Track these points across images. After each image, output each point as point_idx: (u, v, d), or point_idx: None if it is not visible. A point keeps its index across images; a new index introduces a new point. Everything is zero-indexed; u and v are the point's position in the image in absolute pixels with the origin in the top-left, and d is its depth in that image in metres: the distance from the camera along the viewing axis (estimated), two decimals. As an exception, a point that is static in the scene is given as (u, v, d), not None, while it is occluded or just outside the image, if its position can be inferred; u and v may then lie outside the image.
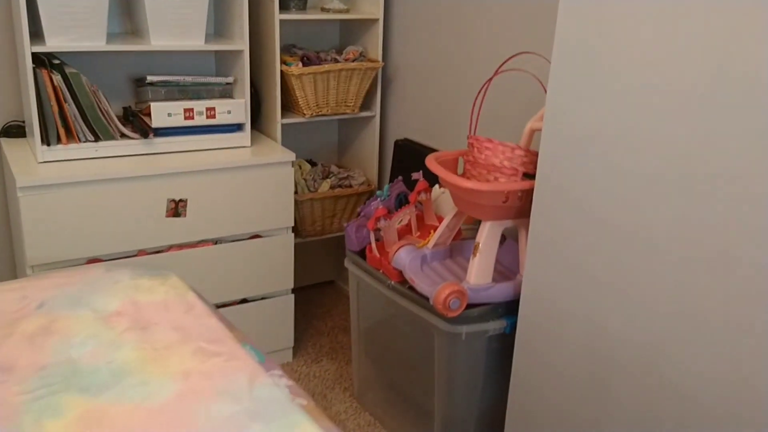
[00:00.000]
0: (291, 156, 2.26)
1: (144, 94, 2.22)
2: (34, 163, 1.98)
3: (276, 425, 0.93)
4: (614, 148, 1.34)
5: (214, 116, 2.22)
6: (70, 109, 1.98)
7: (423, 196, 2.04)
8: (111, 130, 2.07)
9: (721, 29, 1.13)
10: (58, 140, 2.00)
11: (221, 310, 2.26)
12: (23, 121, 2.22)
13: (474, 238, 1.76)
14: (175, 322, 1.16)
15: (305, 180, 2.60)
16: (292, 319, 2.42)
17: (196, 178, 2.10)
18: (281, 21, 2.31)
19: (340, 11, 2.48)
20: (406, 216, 2.07)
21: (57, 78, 1.94)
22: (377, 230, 1.97)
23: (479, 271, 1.73)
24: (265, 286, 2.34)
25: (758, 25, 1.08)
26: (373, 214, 1.96)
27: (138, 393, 0.97)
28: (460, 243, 1.99)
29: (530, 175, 1.66)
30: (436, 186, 2.15)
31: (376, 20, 2.49)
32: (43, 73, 1.92)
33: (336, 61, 2.47)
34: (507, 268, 1.93)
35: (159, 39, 2.10)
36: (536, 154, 1.57)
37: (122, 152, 2.10)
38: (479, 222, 1.76)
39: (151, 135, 2.12)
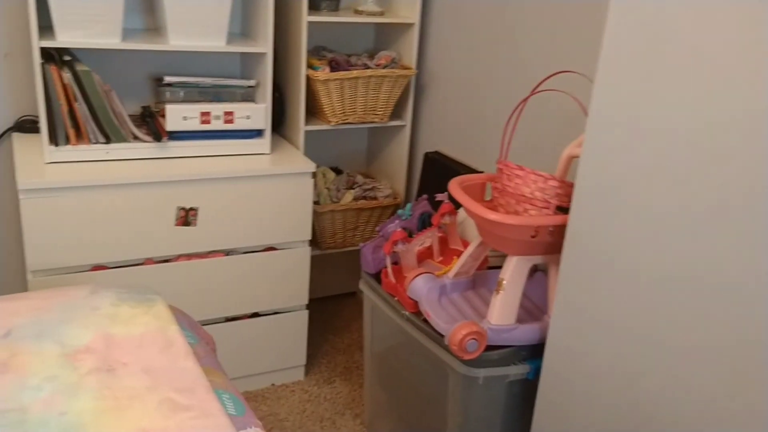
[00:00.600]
0: (311, 166, 2.13)
1: (163, 94, 2.12)
2: (41, 163, 1.90)
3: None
4: (658, 186, 1.17)
5: (232, 121, 2.10)
6: (81, 108, 1.89)
7: (447, 219, 1.89)
8: (123, 132, 1.97)
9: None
10: (67, 140, 1.91)
11: (231, 323, 2.16)
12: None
13: (502, 266, 1.60)
14: (147, 363, 1.04)
15: (328, 189, 2.47)
16: (305, 336, 2.30)
17: (208, 185, 1.99)
18: (310, 23, 2.17)
19: (373, 14, 2.33)
20: (428, 239, 1.92)
21: (67, 75, 1.84)
22: (394, 253, 1.83)
23: (502, 311, 1.56)
24: (279, 300, 2.22)
25: None
26: (391, 236, 1.81)
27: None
28: (485, 273, 1.83)
29: (564, 209, 1.50)
30: (462, 208, 1.99)
31: (411, 25, 2.34)
32: (53, 70, 1.83)
33: (366, 66, 2.33)
34: (536, 305, 1.76)
35: (178, 39, 1.99)
36: (572, 186, 1.40)
37: (134, 155, 2.00)
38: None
39: (164, 138, 2.02)
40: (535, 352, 1.60)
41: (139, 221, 1.92)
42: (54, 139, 1.90)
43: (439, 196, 1.90)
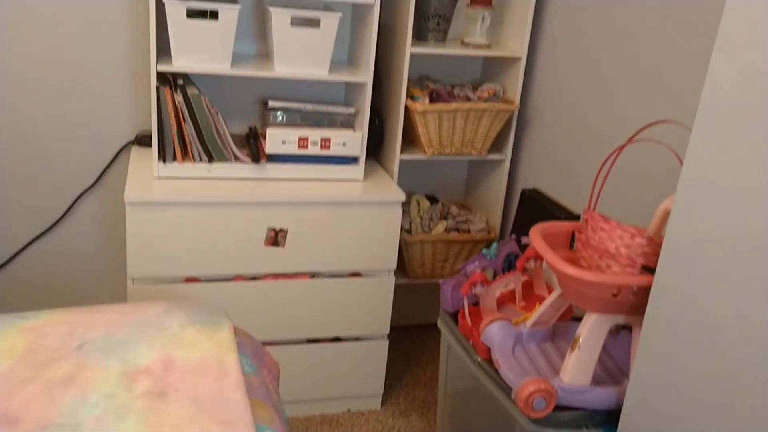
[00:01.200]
0: (401, 196, 2.13)
1: (268, 117, 2.21)
2: (150, 177, 2.03)
3: None
4: (755, 250, 1.05)
5: (328, 147, 2.15)
6: (188, 129, 2.01)
7: (532, 264, 1.82)
8: (225, 152, 2.07)
9: None
10: (174, 158, 2.03)
11: (312, 345, 2.20)
12: (156, 132, 2.31)
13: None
14: (197, 391, 1.08)
15: (421, 218, 2.45)
16: (384, 365, 2.29)
17: (299, 209, 2.04)
18: (414, 54, 2.18)
19: (479, 47, 2.30)
20: (511, 282, 1.86)
21: (179, 98, 1.97)
22: (473, 295, 1.78)
23: (576, 370, 1.48)
24: (360, 327, 2.23)
25: None
26: (470, 277, 1.77)
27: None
28: (567, 325, 1.74)
29: (651, 269, 1.39)
30: (552, 253, 1.90)
31: (518, 59, 2.28)
32: (166, 93, 1.96)
33: (468, 98, 2.30)
34: (619, 366, 1.64)
35: (283, 66, 2.06)
36: (661, 245, 1.30)
37: (234, 174, 2.10)
38: (584, 311, 1.51)
39: (263, 160, 2.10)
40: (612, 417, 1.50)
41: (231, 238, 2.01)
42: (163, 156, 2.02)
43: (525, 239, 1.83)
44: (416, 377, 2.53)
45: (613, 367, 1.63)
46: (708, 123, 1.15)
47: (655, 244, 1.40)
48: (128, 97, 2.28)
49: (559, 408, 1.48)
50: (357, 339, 2.25)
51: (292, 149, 2.12)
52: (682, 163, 1.20)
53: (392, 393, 2.42)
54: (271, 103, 2.16)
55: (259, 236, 2.03)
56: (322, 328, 2.19)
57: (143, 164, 2.12)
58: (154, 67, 1.92)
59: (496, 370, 1.61)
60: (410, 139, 2.36)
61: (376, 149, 2.42)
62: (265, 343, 2.11)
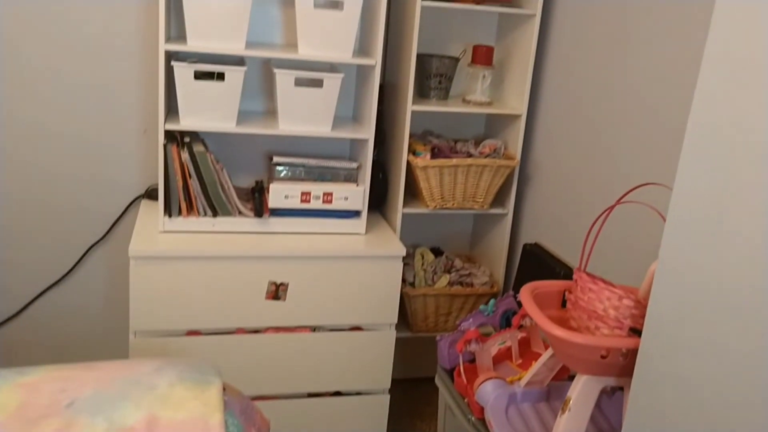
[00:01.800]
0: (402, 251, 2.15)
1: (273, 171, 2.27)
2: (156, 231, 2.08)
3: None
4: (737, 316, 1.05)
5: (330, 201, 2.19)
6: (194, 184, 2.07)
7: (528, 321, 1.82)
8: (229, 207, 2.12)
9: None
10: (180, 212, 2.09)
11: (313, 399, 2.20)
12: (165, 186, 2.38)
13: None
14: (179, 452, 1.10)
15: (425, 271, 2.47)
16: (385, 420, 2.28)
17: (301, 263, 2.07)
18: (416, 111, 2.24)
19: (481, 104, 2.35)
20: (508, 339, 1.86)
21: (185, 155, 2.03)
22: (468, 352, 1.78)
23: (566, 432, 1.47)
24: (361, 381, 2.23)
25: None
26: (465, 334, 1.77)
27: None
28: (562, 385, 1.73)
29: (639, 331, 1.39)
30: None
31: (518, 116, 2.33)
32: (173, 150, 2.02)
33: (469, 154, 2.34)
34: (612, 427, 1.63)
35: (287, 124, 2.13)
36: (648, 308, 1.30)
37: (237, 228, 2.14)
38: (575, 372, 1.50)
39: (266, 215, 2.15)
40: (605, 481, 1.48)
41: (233, 292, 2.04)
42: (168, 211, 2.08)
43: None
44: (420, 432, 2.51)
45: (607, 428, 1.62)
46: (687, 184, 1.16)
47: (642, 306, 1.40)
48: (140, 152, 2.35)
49: (550, 471, 1.47)
50: (358, 393, 2.25)
51: (295, 203, 2.17)
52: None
53: (394, 448, 2.40)
54: (276, 159, 2.22)
55: (260, 290, 2.07)
56: (322, 382, 2.20)
57: (151, 218, 2.18)
58: (162, 126, 2.00)
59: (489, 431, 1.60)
60: (413, 193, 2.39)
61: (379, 202, 2.46)
62: (265, 397, 2.12)
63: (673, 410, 1.19)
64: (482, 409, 1.65)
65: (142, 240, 2.02)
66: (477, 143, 2.44)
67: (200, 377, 1.36)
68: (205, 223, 2.11)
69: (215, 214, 2.12)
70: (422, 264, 2.50)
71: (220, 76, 2.02)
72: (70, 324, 2.46)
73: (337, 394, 2.24)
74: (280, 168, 2.21)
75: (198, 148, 2.06)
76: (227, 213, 2.13)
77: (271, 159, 2.28)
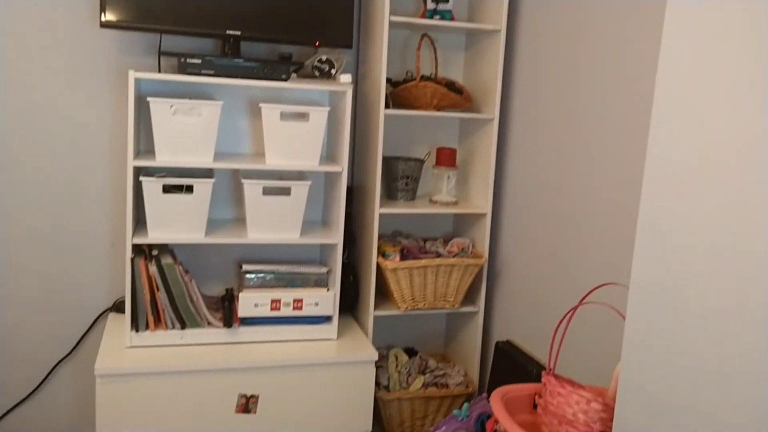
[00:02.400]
0: (374, 355, 2.14)
1: (242, 279, 2.27)
2: (123, 347, 2.05)
3: None
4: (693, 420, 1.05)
5: (301, 308, 2.19)
6: (162, 297, 2.06)
7: (501, 426, 1.79)
8: (198, 318, 2.11)
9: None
10: (147, 326, 2.07)
11: None
12: (134, 298, 2.36)
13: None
14: None
15: (399, 373, 2.44)
16: None
17: (272, 373, 2.05)
18: (384, 213, 2.28)
19: (447, 204, 2.41)
20: (483, 444, 1.82)
21: (153, 269, 2.03)
22: (444, 461, 1.74)
23: None
24: (337, 493, 2.15)
25: None
26: (439, 443, 1.74)
27: None
28: (540, 491, 1.68)
29: (610, 436, 1.38)
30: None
31: (483, 215, 2.38)
32: (141, 264, 2.03)
33: (438, 254, 2.37)
34: None
35: (256, 232, 2.15)
36: (616, 412, 1.30)
37: (207, 340, 2.12)
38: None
39: (236, 324, 2.13)
40: None
41: (202, 406, 1.99)
42: (136, 325, 2.06)
43: (493, 401, 1.82)
44: None
45: None
46: (642, 284, 1.19)
47: (611, 409, 1.39)
48: (108, 265, 2.35)
49: None
50: (334, 507, 2.16)
51: (265, 311, 2.16)
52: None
53: None
54: (245, 267, 2.23)
55: (230, 403, 2.02)
56: (297, 497, 2.12)
57: (118, 333, 2.15)
58: (130, 241, 2.01)
59: None
60: (385, 294, 2.40)
61: (351, 305, 2.46)
62: None
63: None
64: None
65: (108, 357, 1.98)
66: (445, 242, 2.48)
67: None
68: (173, 336, 2.09)
69: (183, 326, 2.10)
70: (396, 366, 2.47)
71: (189, 189, 2.06)
72: (33, 446, 2.37)
73: None
74: (249, 276, 2.22)
75: (166, 260, 2.07)
76: (196, 325, 2.11)
77: (241, 266, 2.29)
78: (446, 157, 2.44)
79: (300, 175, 2.26)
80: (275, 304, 2.17)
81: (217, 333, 2.13)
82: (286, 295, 2.18)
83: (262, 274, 2.23)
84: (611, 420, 1.39)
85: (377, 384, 2.32)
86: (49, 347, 2.34)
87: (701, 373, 1.06)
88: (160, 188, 2.03)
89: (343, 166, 2.18)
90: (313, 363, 2.08)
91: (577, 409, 1.42)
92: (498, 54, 2.28)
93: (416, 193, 2.49)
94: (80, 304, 2.34)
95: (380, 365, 2.40)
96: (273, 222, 2.16)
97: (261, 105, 2.11)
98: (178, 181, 2.05)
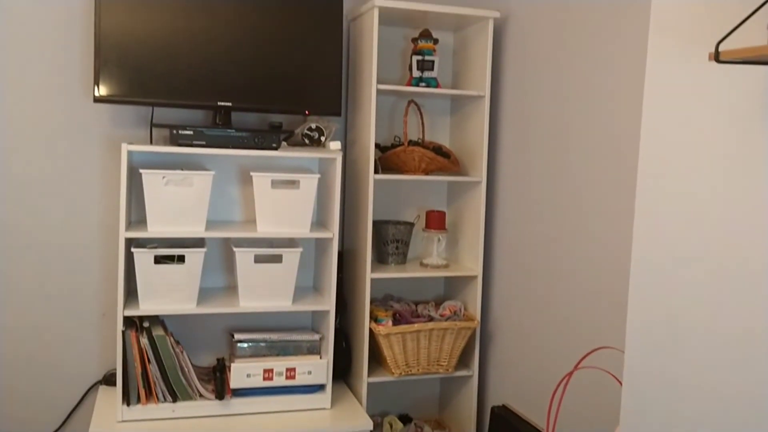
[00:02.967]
0: (369, 425, 2.11)
1: (234, 348, 2.25)
2: (114, 422, 2.01)
3: None
4: None
5: (294, 377, 2.16)
6: (153, 370, 2.03)
7: (502, 496, 1.76)
8: (190, 391, 2.08)
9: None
10: (138, 399, 2.03)
11: None
12: (124, 370, 2.32)
13: None
14: None
15: (395, 441, 2.40)
16: None
17: (265, 445, 2.01)
18: (375, 278, 2.29)
19: (437, 267, 2.42)
20: None
21: (144, 341, 2.02)
22: None
23: None
24: None
25: None
26: None
27: None
28: None
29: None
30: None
31: (474, 277, 2.39)
32: (132, 336, 2.01)
33: (431, 317, 2.37)
34: None
35: (248, 301, 2.15)
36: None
37: (198, 413, 2.08)
38: None
39: (228, 396, 2.10)
40: None
41: (194, 483, 1.94)
42: (127, 399, 2.02)
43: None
44: None
45: None
46: (637, 348, 1.20)
47: (612, 479, 1.38)
48: (98, 337, 2.32)
49: None
50: None
51: (258, 382, 2.14)
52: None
53: None
54: (237, 336, 2.21)
55: (222, 478, 1.97)
56: None
57: (108, 406, 2.11)
58: (121, 313, 1.99)
59: None
60: (378, 360, 2.38)
61: (344, 372, 2.43)
62: None
63: None
64: None
65: (98, 433, 1.94)
66: (437, 305, 2.48)
67: None
68: (165, 409, 2.05)
69: (175, 399, 2.06)
70: (391, 433, 2.43)
71: (181, 259, 2.06)
72: None
73: None
74: (241, 344, 2.20)
75: (157, 331, 2.05)
76: (188, 397, 2.08)
77: (233, 335, 2.28)
78: (435, 220, 2.46)
79: (291, 242, 2.27)
80: (268, 373, 2.14)
81: (209, 405, 2.09)
82: (279, 364, 2.16)
83: (254, 343, 2.21)
84: (613, 490, 1.37)
85: (372, 453, 2.28)
86: (39, 421, 2.28)
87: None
88: (152, 259, 2.03)
89: (334, 232, 2.20)
90: (307, 434, 2.05)
91: (578, 480, 1.40)
92: (483, 118, 2.34)
93: (407, 256, 2.51)
94: (70, 376, 2.30)
95: (375, 433, 2.36)
96: (265, 290, 2.16)
97: (252, 173, 2.13)
98: (170, 252, 2.05)
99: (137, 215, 2.24)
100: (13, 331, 2.25)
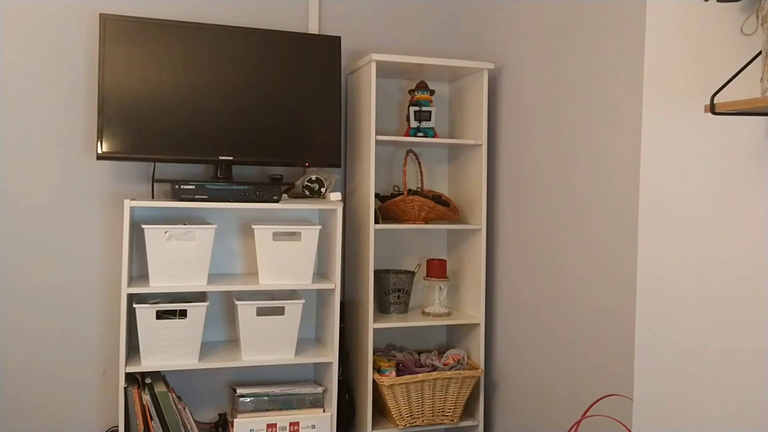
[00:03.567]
0: (375, 479, 2.07)
1: (237, 403, 2.22)
2: (114, 482, 1.97)
3: None
4: None
5: (297, 431, 2.13)
6: (155, 427, 2.00)
7: None
8: (192, 447, 2.04)
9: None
10: (140, 459, 2.00)
11: None
12: (124, 427, 2.29)
13: None
14: None
15: (401, 495, 2.35)
16: None
17: (269, 503, 1.96)
18: (378, 328, 2.28)
19: (439, 315, 2.42)
20: None
21: (146, 397, 1.99)
22: None
23: None
24: None
25: None
26: None
27: None
28: None
29: None
30: None
31: (477, 325, 2.39)
32: (134, 393, 1.99)
33: (434, 368, 2.35)
34: None
35: (250, 354, 2.13)
36: None
37: (201, 470, 2.04)
38: None
39: (231, 452, 2.07)
40: None
41: None
42: (128, 458, 1.99)
43: None
44: None
45: None
46: (645, 395, 1.19)
47: None
48: (99, 393, 2.29)
49: None
50: None
51: (261, 437, 2.10)
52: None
53: None
54: (239, 390, 2.19)
55: None
56: None
57: (108, 466, 2.07)
58: (123, 369, 1.98)
59: None
60: (381, 411, 2.35)
61: (348, 425, 2.40)
62: None
63: None
64: None
65: (98, 494, 1.90)
66: (440, 353, 2.46)
67: None
68: (167, 467, 2.02)
69: (177, 456, 2.03)
70: (397, 486, 2.38)
71: (183, 314, 2.06)
72: None
73: None
74: (244, 399, 2.17)
75: (159, 387, 2.03)
76: (190, 454, 2.04)
77: (235, 390, 2.25)
78: (437, 269, 2.47)
79: (292, 294, 2.27)
80: (271, 428, 2.12)
81: (211, 463, 2.06)
82: (282, 419, 2.13)
83: (256, 397, 2.18)
84: None
85: (378, 508, 2.23)
86: (34, 485, 2.23)
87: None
88: (154, 314, 2.02)
89: (336, 283, 2.20)
90: (312, 490, 2.01)
91: None
92: (481, 166, 2.37)
93: (409, 305, 2.50)
94: (68, 436, 2.27)
95: (380, 487, 2.31)
96: (267, 342, 2.14)
97: (253, 226, 2.15)
98: (172, 307, 2.05)
99: (139, 270, 2.24)
100: (12, 388, 2.22)
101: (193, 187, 2.07)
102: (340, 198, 2.24)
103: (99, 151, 2.05)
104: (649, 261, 1.23)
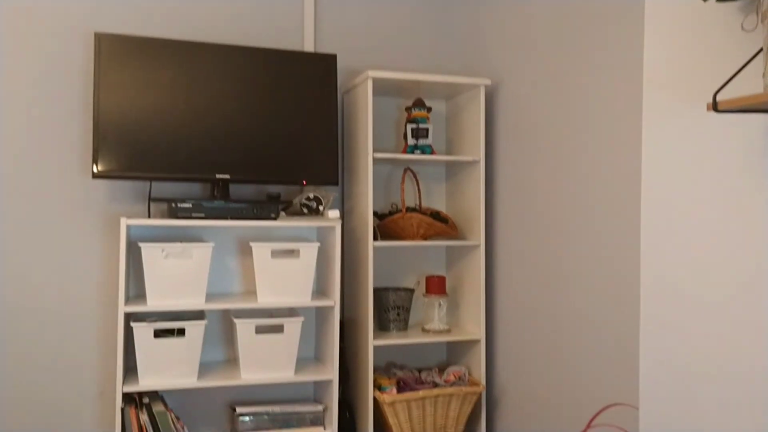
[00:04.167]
0: (377, 499, 2.04)
1: (236, 423, 2.19)
2: (111, 505, 1.94)
3: None
4: None
5: (298, 451, 2.10)
6: (153, 448, 1.97)
7: None
8: (191, 468, 2.01)
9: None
10: (137, 481, 1.96)
11: None
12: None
13: None
14: None
15: None
16: None
17: None
18: (378, 346, 2.26)
19: (439, 332, 2.40)
20: None
21: (144, 417, 1.97)
22: None
23: None
24: None
25: None
26: None
27: None
28: None
29: None
30: None
31: (477, 341, 2.37)
32: (131, 413, 1.96)
33: (435, 384, 2.33)
34: None
35: (249, 373, 2.11)
36: None
37: (200, 492, 2.01)
38: None
39: (230, 473, 2.03)
40: None
41: None
42: (125, 480, 1.95)
43: None
44: None
45: None
46: (652, 404, 1.18)
47: None
48: (96, 415, 2.26)
49: None
50: None
51: (261, 457, 2.07)
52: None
53: None
54: (239, 410, 2.16)
55: None
56: None
57: (105, 489, 2.04)
58: (120, 389, 1.95)
59: None
60: (383, 429, 2.32)
61: (348, 445, 2.37)
62: None
63: None
64: None
65: None
66: (441, 370, 2.44)
67: None
68: (165, 489, 1.98)
69: (176, 478, 2.00)
70: (399, 507, 2.34)
71: (181, 332, 2.04)
72: None
73: None
74: (243, 418, 2.15)
75: (157, 407, 2.00)
76: (189, 475, 2.01)
77: (234, 409, 2.22)
78: (436, 285, 2.46)
79: (291, 312, 2.25)
80: (271, 448, 2.08)
81: (210, 484, 2.02)
82: (282, 438, 2.10)
83: (256, 416, 2.16)
84: None
85: None
86: None
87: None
88: (152, 333, 2.01)
89: (335, 300, 2.19)
90: None
91: None
92: (479, 182, 2.37)
93: (408, 322, 2.49)
94: (64, 460, 2.23)
95: (382, 508, 2.28)
96: (266, 361, 2.12)
97: (251, 244, 2.14)
98: (170, 325, 2.03)
99: (136, 289, 2.23)
100: (9, 409, 2.18)
101: (190, 205, 2.07)
102: (338, 215, 2.24)
103: (95, 170, 2.05)
104: (653, 270, 1.23)
